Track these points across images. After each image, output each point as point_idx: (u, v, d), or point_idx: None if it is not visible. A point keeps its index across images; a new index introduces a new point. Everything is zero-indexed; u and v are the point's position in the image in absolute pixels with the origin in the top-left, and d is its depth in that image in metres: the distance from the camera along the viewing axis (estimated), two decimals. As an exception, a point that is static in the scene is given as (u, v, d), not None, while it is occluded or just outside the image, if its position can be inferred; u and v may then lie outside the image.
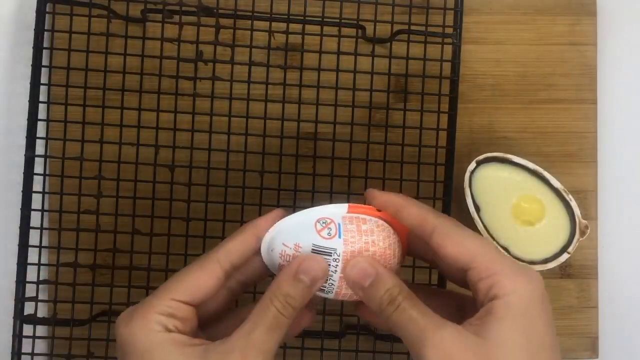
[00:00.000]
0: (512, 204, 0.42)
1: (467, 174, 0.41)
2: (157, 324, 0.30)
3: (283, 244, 0.32)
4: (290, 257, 0.32)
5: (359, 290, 0.32)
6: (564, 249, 0.42)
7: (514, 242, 0.42)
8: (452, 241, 0.31)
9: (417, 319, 0.30)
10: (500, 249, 0.34)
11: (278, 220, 0.33)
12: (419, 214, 0.33)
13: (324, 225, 0.32)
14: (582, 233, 0.42)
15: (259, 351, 0.30)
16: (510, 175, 0.42)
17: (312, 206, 0.33)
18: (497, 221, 0.42)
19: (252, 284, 0.35)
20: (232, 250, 0.33)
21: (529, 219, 0.42)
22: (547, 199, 0.42)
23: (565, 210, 0.42)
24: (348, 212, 0.33)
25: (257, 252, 0.33)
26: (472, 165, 0.42)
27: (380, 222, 0.33)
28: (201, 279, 0.32)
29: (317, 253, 0.32)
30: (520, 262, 0.41)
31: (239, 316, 0.34)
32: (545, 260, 0.42)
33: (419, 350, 0.29)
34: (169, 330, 0.30)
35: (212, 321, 0.34)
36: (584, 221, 0.42)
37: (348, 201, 0.33)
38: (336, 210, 0.33)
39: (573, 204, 0.42)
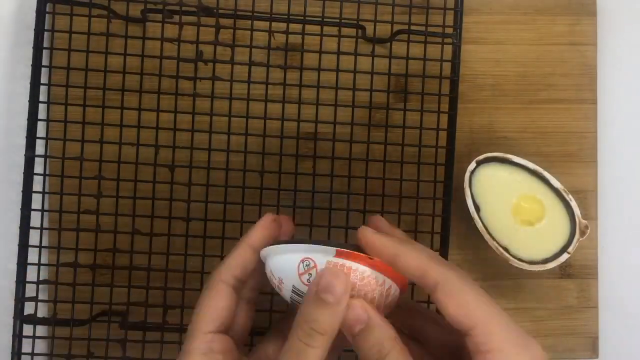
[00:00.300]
0: (512, 203, 0.42)
1: (467, 174, 0.41)
2: None
3: (271, 271, 0.33)
4: (276, 286, 0.33)
5: (349, 335, 0.30)
6: (564, 249, 0.42)
7: (514, 241, 0.42)
8: (455, 302, 0.29)
9: None
10: (505, 316, 0.31)
11: (267, 228, 0.34)
12: (418, 266, 0.30)
13: (305, 268, 0.31)
14: (582, 233, 0.41)
15: None
16: (511, 175, 0.42)
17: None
18: (497, 221, 0.42)
19: (264, 286, 0.35)
20: (232, 265, 0.34)
21: (529, 219, 0.42)
22: (547, 198, 0.42)
23: (565, 210, 0.42)
24: (335, 256, 0.30)
25: (257, 261, 0.34)
26: (472, 165, 0.41)
27: (369, 271, 0.31)
28: (215, 303, 0.33)
29: (296, 295, 0.31)
30: (534, 265, 0.41)
31: (281, 333, 0.34)
32: (545, 260, 0.41)
33: None
34: None
35: (250, 340, 0.35)
36: (584, 221, 0.41)
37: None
38: (321, 254, 0.31)
39: (573, 204, 0.42)
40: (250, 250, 0.34)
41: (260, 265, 0.34)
